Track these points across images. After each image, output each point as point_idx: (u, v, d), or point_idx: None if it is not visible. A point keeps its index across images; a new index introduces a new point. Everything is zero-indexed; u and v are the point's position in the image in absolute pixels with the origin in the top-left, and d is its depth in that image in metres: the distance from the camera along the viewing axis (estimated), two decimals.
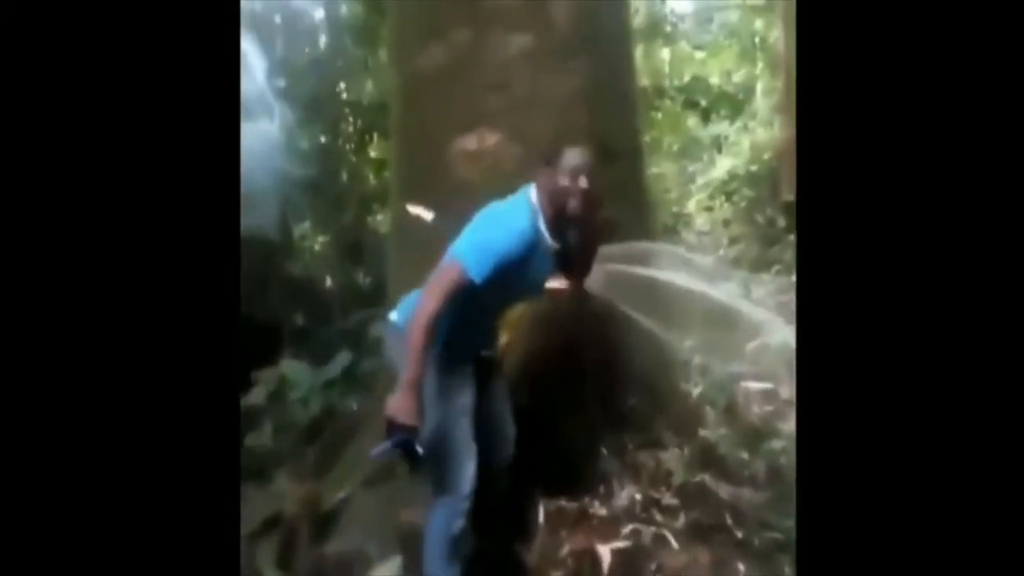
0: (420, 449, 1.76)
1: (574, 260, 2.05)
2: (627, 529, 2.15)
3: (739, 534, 2.14)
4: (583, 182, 1.82)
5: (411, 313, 1.81)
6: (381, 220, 5.21)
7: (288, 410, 2.71)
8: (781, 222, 6.23)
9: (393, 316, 2.00)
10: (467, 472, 1.88)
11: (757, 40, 8.03)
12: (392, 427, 1.73)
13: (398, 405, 1.72)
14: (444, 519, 1.91)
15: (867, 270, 1.05)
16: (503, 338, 2.04)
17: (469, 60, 2.40)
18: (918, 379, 1.01)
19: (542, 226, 1.88)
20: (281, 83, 4.60)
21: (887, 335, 1.03)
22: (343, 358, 3.13)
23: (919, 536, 1.00)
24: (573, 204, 1.83)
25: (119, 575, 1.00)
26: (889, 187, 1.04)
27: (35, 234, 0.99)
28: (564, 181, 1.82)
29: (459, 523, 1.88)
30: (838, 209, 1.07)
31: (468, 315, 1.89)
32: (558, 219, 1.88)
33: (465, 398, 1.95)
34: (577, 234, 1.98)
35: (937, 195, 1.02)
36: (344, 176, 5.15)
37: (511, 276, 1.82)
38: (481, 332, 2.01)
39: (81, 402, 1.00)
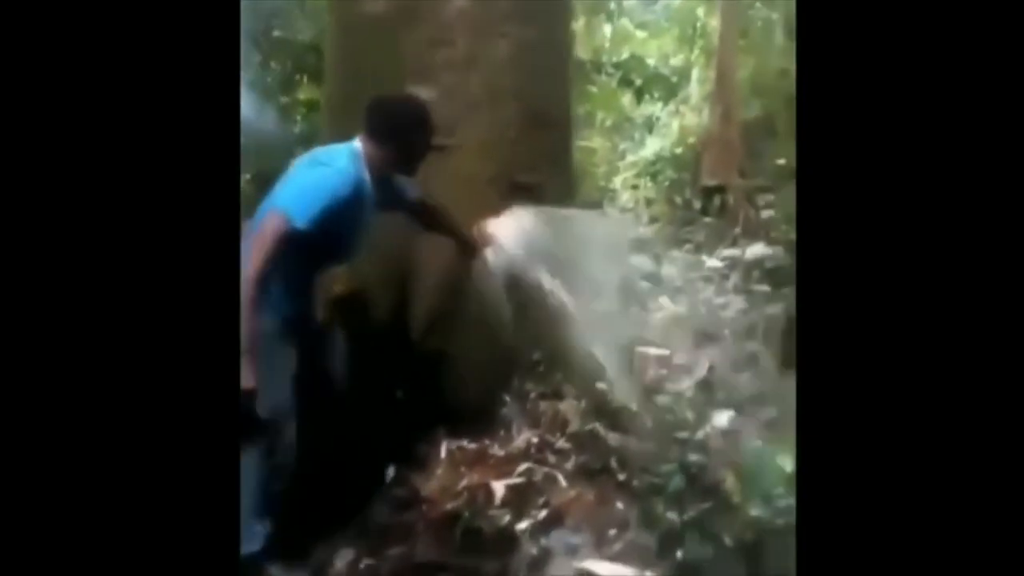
0: (261, 414, 1.59)
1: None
2: (521, 468, 2.34)
3: (621, 477, 2.36)
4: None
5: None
6: None
7: None
8: (696, 204, 6.54)
9: None
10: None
11: (698, 26, 8.24)
12: None
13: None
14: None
15: (867, 265, 1.04)
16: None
17: (410, 13, 2.44)
18: (919, 377, 0.99)
19: (366, 174, 1.81)
20: None
21: (885, 339, 1.01)
22: None
23: (920, 536, 0.98)
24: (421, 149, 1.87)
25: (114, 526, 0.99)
26: (885, 194, 1.03)
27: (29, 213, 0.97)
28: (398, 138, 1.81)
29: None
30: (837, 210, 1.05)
31: (296, 272, 1.77)
32: (389, 172, 1.86)
33: (289, 361, 1.88)
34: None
35: (935, 204, 1.01)
36: (272, 116, 5.07)
37: (337, 223, 1.71)
38: (302, 293, 1.91)
39: (73, 363, 0.98)
